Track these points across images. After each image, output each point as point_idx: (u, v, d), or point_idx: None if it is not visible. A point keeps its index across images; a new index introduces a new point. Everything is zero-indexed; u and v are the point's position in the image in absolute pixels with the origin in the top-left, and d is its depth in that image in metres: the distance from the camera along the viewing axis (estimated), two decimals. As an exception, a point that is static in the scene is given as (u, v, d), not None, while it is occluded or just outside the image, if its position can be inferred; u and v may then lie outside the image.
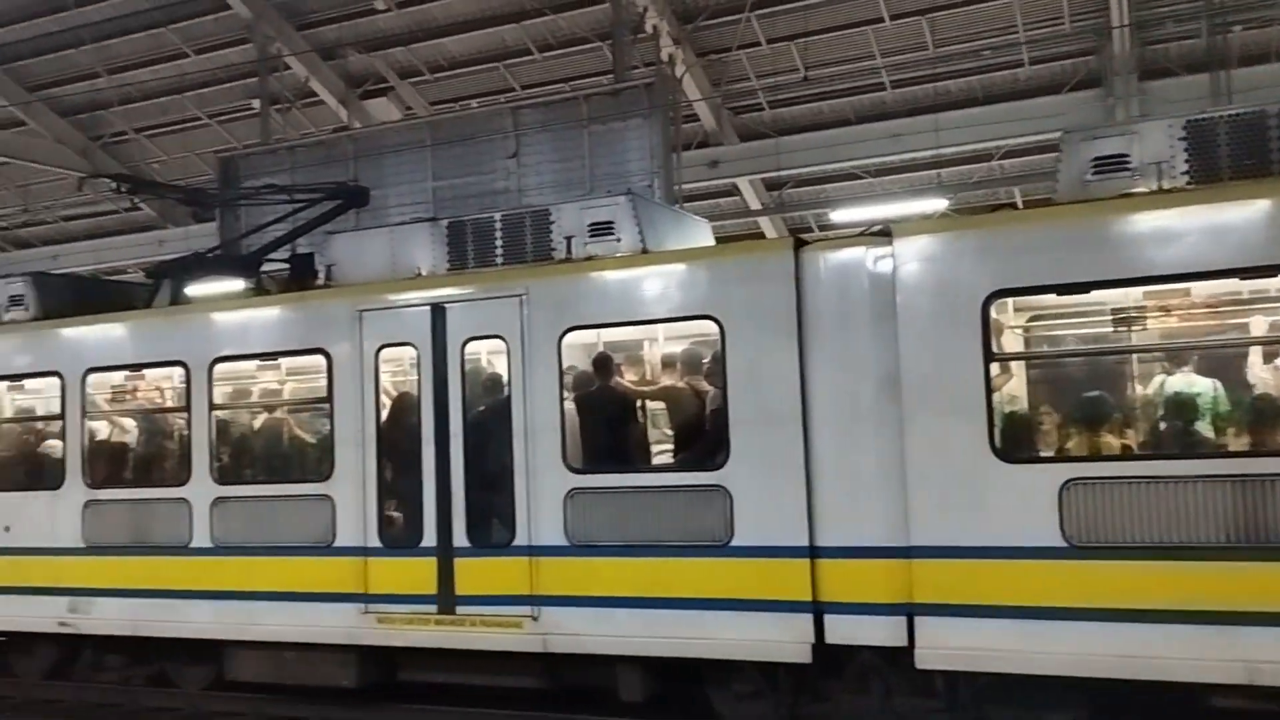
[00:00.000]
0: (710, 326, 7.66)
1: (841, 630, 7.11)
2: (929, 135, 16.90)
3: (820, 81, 17.81)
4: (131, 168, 19.98)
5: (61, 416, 9.87)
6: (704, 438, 7.80)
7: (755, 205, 19.83)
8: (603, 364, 8.26)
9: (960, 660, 6.82)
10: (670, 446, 8.31)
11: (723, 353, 7.52)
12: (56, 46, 17.72)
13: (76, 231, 21.91)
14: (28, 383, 10.51)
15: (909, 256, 7.06)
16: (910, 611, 6.91)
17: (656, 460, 8.32)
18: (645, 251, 8.13)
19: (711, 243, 9.32)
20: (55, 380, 9.94)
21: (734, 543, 7.38)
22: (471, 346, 8.40)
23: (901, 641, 6.95)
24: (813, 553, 7.18)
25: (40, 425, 10.40)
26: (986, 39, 17.01)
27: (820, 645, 7.14)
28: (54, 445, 10.01)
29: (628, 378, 8.53)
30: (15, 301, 10.54)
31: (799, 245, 7.47)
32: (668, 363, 8.48)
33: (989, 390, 6.75)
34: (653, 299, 7.87)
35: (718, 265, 7.76)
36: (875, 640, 7.06)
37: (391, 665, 8.71)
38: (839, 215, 17.46)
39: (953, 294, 6.88)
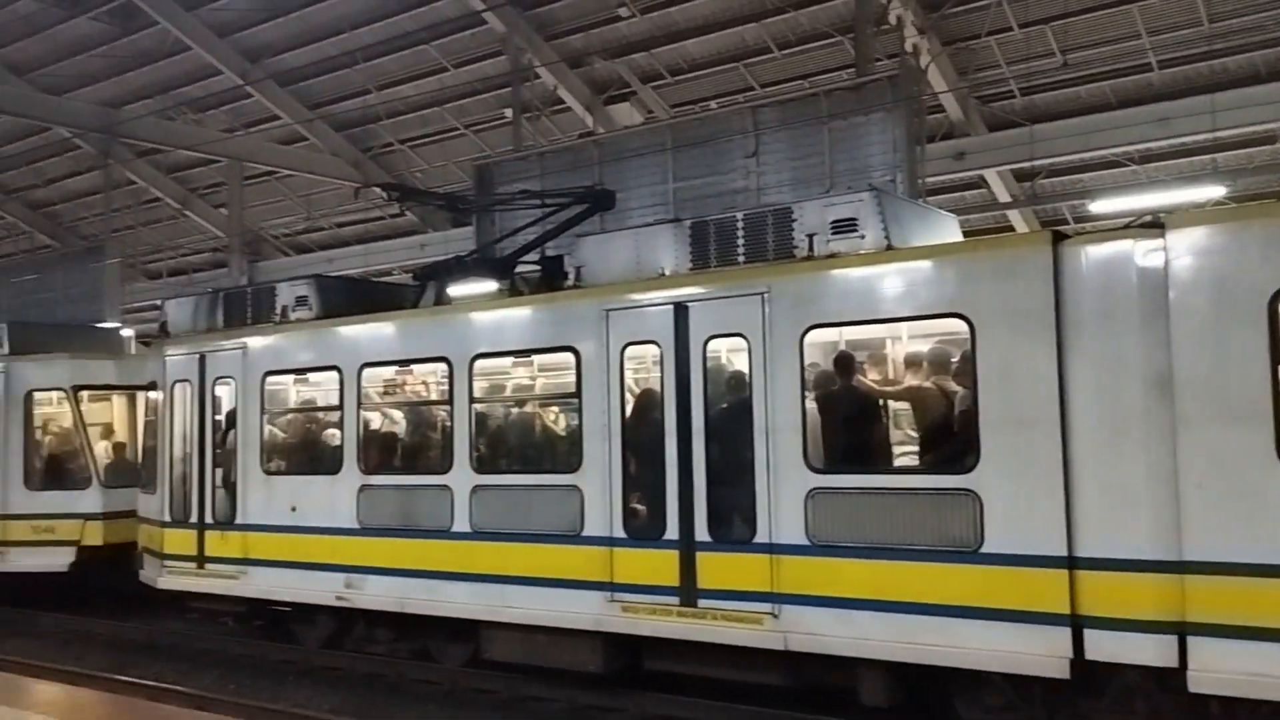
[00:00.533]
0: (959, 325, 7.42)
1: (1103, 646, 6.72)
2: (1203, 118, 15.58)
3: (1078, 65, 16.80)
4: (397, 177, 21.52)
5: (340, 407, 10.77)
6: (952, 439, 7.57)
7: (1004, 197, 18.97)
8: (845, 363, 8.17)
9: (1241, 686, 6.28)
10: (914, 448, 8.10)
11: (973, 352, 7.27)
12: (334, 67, 19.31)
13: (348, 237, 23.82)
14: (311, 376, 11.50)
15: (1184, 250, 6.57)
16: (1182, 630, 6.44)
17: (900, 462, 8.13)
18: (890, 248, 7.96)
19: (959, 238, 9.02)
20: (334, 374, 10.86)
21: (984, 549, 7.12)
22: (713, 344, 8.51)
23: (1171, 662, 6.50)
24: (1071, 563, 6.82)
25: (322, 415, 11.35)
26: (1270, 11, 15.50)
27: (1079, 660, 6.77)
28: (333, 433, 10.94)
29: (871, 377, 8.38)
30: (300, 302, 11.56)
31: (1058, 239, 7.10)
32: (913, 362, 8.27)
33: (1277, 393, 6.18)
34: (898, 297, 7.69)
35: (968, 261, 7.48)
36: (1141, 659, 6.63)
37: (637, 653, 8.96)
38: (1099, 206, 16.40)
39: (1234, 290, 6.36)
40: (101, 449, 15.12)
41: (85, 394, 15.32)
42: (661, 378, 8.70)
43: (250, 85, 19.36)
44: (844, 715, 8.14)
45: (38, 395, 14.81)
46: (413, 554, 10.02)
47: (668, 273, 8.96)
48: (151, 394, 13.03)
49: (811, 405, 8.06)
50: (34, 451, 14.72)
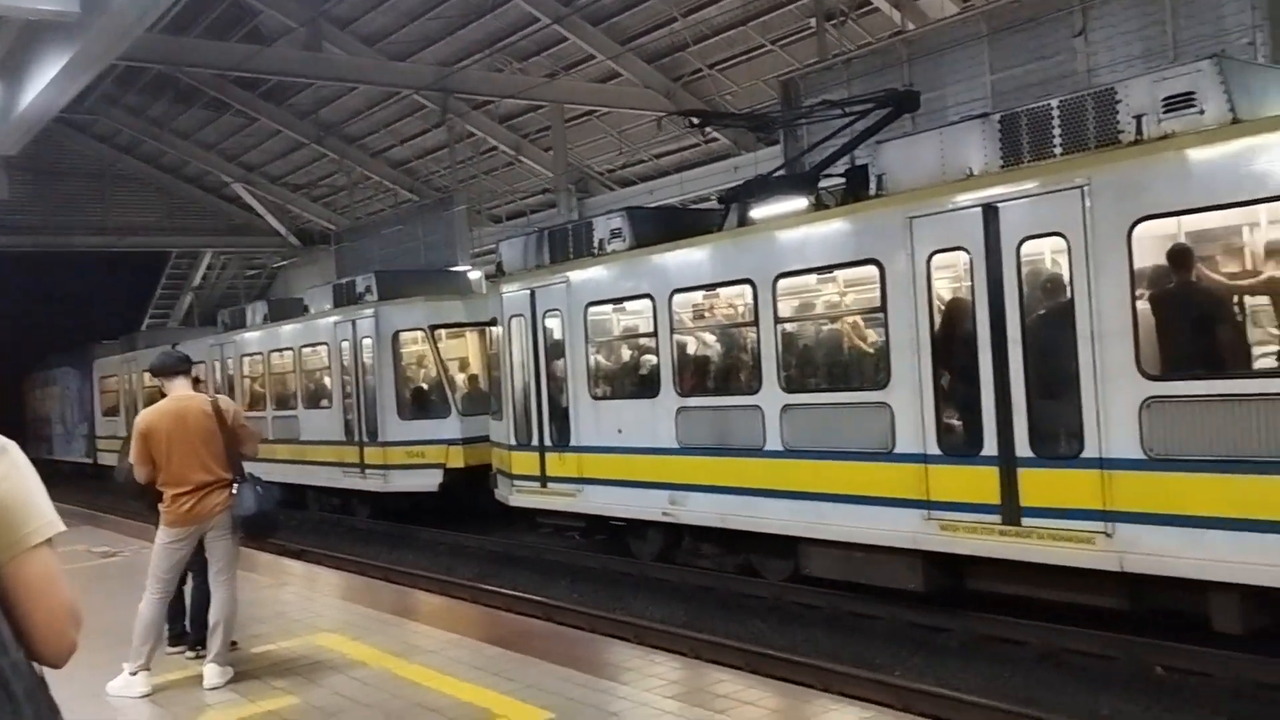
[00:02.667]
0: (1323, 203, 6.39)
1: None
2: None
3: None
4: (708, 102, 21.63)
5: (654, 333, 11.18)
6: (1316, 336, 6.59)
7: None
8: (1182, 256, 7.30)
9: None
10: (1272, 348, 7.13)
11: (1343, 234, 6.25)
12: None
13: (666, 166, 24.36)
14: (628, 304, 11.99)
15: None
16: None
17: (1256, 364, 7.19)
18: (1235, 122, 6.97)
19: (1331, 101, 7.72)
20: (648, 301, 11.25)
21: (1359, 459, 6.18)
22: (1028, 247, 7.92)
23: None
24: None
25: (639, 341, 11.84)
26: None
27: None
28: (650, 358, 11.39)
29: (1215, 270, 7.44)
30: (615, 234, 12.04)
31: None
32: (1270, 251, 7.25)
33: None
34: (1245, 177, 6.74)
35: (1333, 128, 6.40)
36: None
37: (958, 573, 8.70)
38: None
39: None
40: (458, 381, 16.75)
41: (441, 332, 16.99)
42: (972, 286, 8.24)
43: (563, 26, 20.16)
44: (1193, 642, 7.46)
45: (402, 335, 16.59)
46: (730, 472, 10.28)
47: (976, 173, 8.41)
48: (494, 329, 14.18)
49: (1144, 306, 7.31)
50: (403, 386, 16.56)
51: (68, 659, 1.85)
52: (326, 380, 18.20)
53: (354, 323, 17.14)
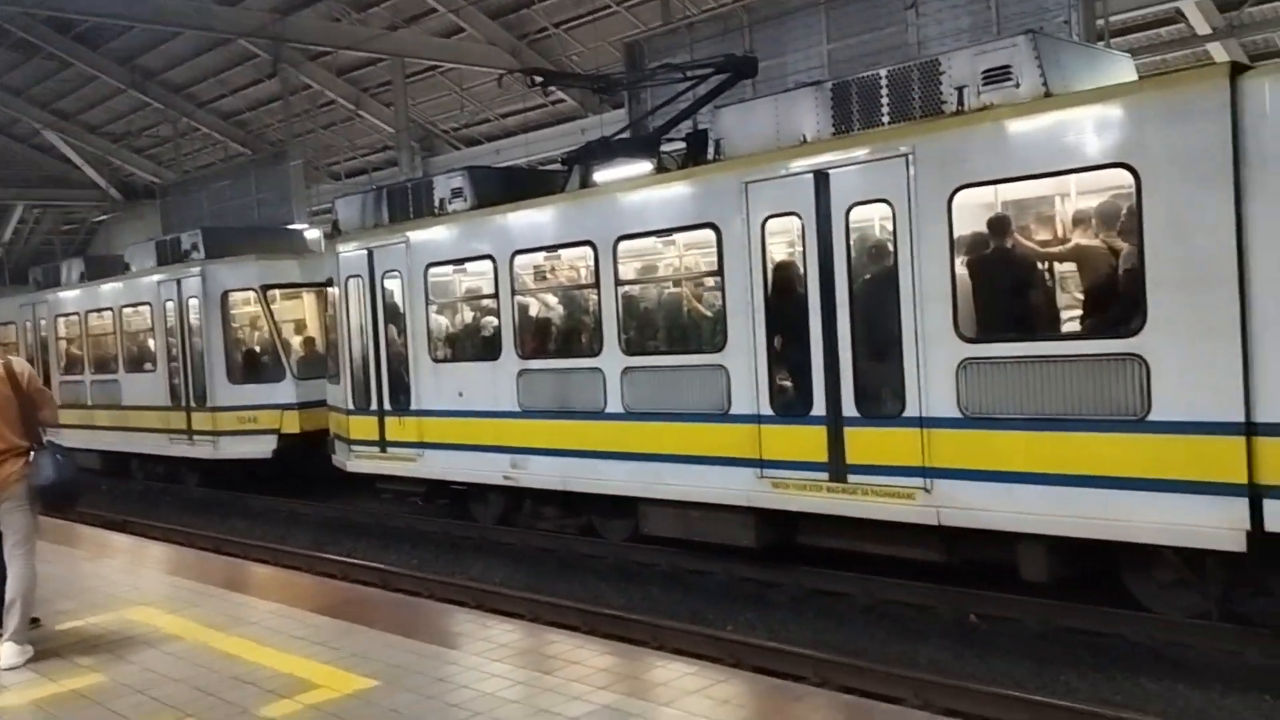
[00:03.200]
0: (1123, 176, 6.79)
1: (1286, 518, 6.19)
2: None
3: None
4: (555, 62, 21.40)
5: (495, 295, 11.03)
6: (1116, 302, 7.02)
7: (1203, 30, 17.10)
8: (999, 224, 7.65)
9: None
10: (1075, 312, 7.57)
11: (1138, 205, 6.66)
12: (485, -48, 19.23)
13: (512, 127, 24.02)
14: (469, 265, 11.79)
15: (1388, 72, 5.72)
16: (1378, 500, 5.85)
17: (1059, 327, 7.62)
18: (1048, 96, 7.31)
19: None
20: (489, 263, 11.08)
21: (1152, 417, 6.64)
22: (856, 213, 8.15)
23: (1363, 535, 5.93)
24: (1249, 429, 6.28)
25: (481, 303, 11.66)
26: None
27: (1257, 533, 6.28)
28: (492, 321, 11.24)
29: (1026, 238, 7.82)
30: (456, 194, 11.79)
31: (1237, 72, 6.33)
32: (1071, 219, 7.67)
33: None
34: (1055, 148, 7.08)
35: (1133, 104, 6.78)
36: (1328, 531, 6.08)
37: (789, 529, 8.96)
38: None
39: None
40: (294, 344, 16.15)
41: (275, 293, 16.33)
42: (804, 251, 8.43)
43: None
44: (1002, 590, 7.90)
45: (232, 295, 15.87)
46: (571, 435, 10.28)
47: (809, 139, 8.58)
48: (331, 290, 13.71)
49: (962, 271, 7.64)
50: (233, 348, 15.86)
51: None
52: (150, 342, 17.28)
53: (179, 282, 16.28)
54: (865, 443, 8.08)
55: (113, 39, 24.28)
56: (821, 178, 8.22)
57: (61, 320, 19.83)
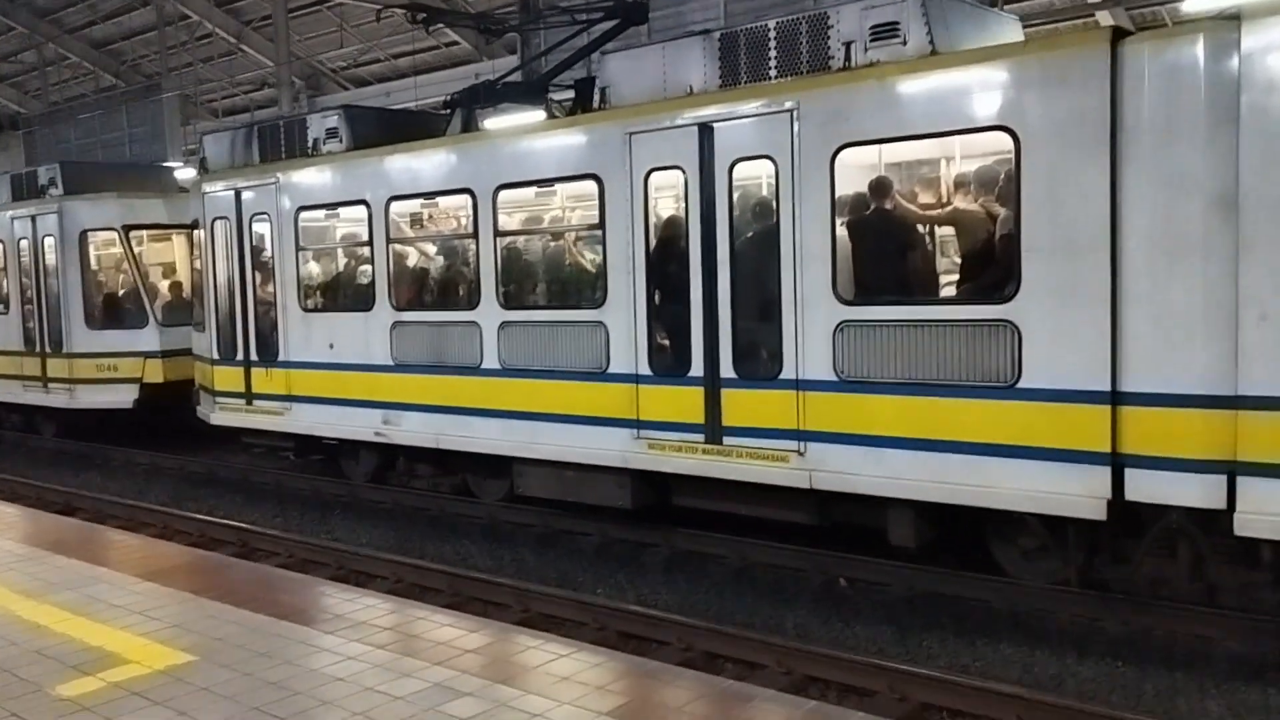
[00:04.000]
0: (1004, 140, 6.68)
1: (1145, 487, 6.25)
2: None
3: None
4: (448, 1, 20.60)
5: (370, 243, 10.52)
6: (990, 267, 6.95)
7: None
8: (879, 186, 7.50)
9: (1294, 531, 5.78)
10: (950, 277, 7.50)
11: (1017, 170, 6.57)
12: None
13: (404, 68, 23.11)
14: (343, 211, 11.22)
15: (1262, 45, 5.69)
16: (1232, 470, 5.91)
17: (933, 292, 7.53)
18: (934, 54, 7.15)
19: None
20: (364, 208, 10.55)
21: (1022, 384, 6.62)
22: (740, 169, 7.91)
23: (1219, 504, 6.00)
24: (1115, 398, 6.30)
25: (355, 250, 11.12)
26: None
27: (1118, 502, 6.31)
28: (366, 270, 10.72)
29: (905, 200, 7.70)
30: (331, 134, 11.18)
31: (1118, 38, 6.25)
32: (950, 183, 7.58)
33: (1359, 211, 5.41)
34: (938, 109, 6.93)
35: (1016, 66, 6.65)
36: (1185, 500, 6.14)
37: (665, 490, 8.78)
38: (1192, 4, 14.56)
39: (1318, 90, 5.50)
40: (160, 288, 15.30)
41: (143, 234, 15.42)
42: (686, 206, 8.17)
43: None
44: (872, 555, 7.87)
45: (92, 235, 14.91)
46: (445, 391, 9.91)
47: (695, 91, 8.29)
48: (196, 232, 12.96)
49: (842, 232, 7.48)
50: (92, 291, 14.93)
51: None
52: (3, 283, 16.17)
53: (34, 219, 15.24)
54: (742, 404, 7.92)
55: (-30, -45, 22.59)
56: (706, 131, 7.95)
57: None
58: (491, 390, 9.54)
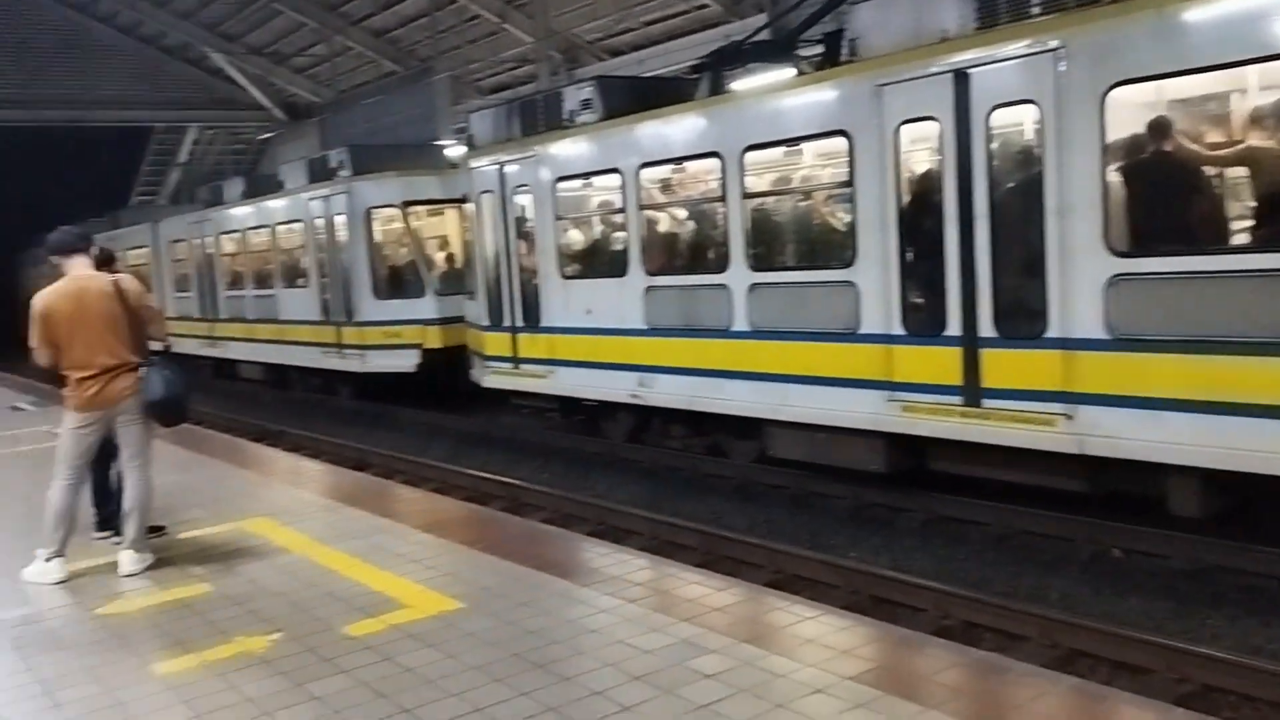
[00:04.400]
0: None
1: None
2: None
3: None
4: (698, -36, 20.61)
5: (623, 210, 10.80)
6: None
7: None
8: (1159, 126, 6.85)
9: None
10: (1248, 223, 6.76)
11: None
12: None
13: (656, 35, 23.36)
14: (596, 179, 11.56)
15: None
16: None
17: (1229, 240, 6.83)
18: (1228, -26, 6.42)
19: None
20: (616, 176, 10.83)
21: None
22: (998, 115, 7.47)
23: None
24: None
25: (608, 218, 11.45)
26: None
27: None
28: (619, 236, 11.02)
29: (1192, 140, 7.00)
30: (585, 105, 11.52)
31: None
32: (1251, 119, 6.79)
33: None
34: (1229, 36, 6.24)
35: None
36: None
37: (921, 454, 8.54)
38: None
39: None
40: (436, 260, 16.41)
41: (420, 209, 16.57)
42: (941, 158, 7.82)
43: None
44: (1149, 524, 7.31)
45: (376, 212, 16.18)
46: (697, 353, 10.05)
47: (950, 36, 7.89)
48: (467, 205, 13.76)
49: (1114, 179, 6.92)
50: (378, 264, 16.22)
51: None
52: (303, 259, 17.87)
53: (327, 199, 16.71)
54: (1002, 365, 7.54)
55: (269, -41, 24.83)
56: (961, 78, 7.56)
57: (224, 237, 20.75)
58: (741, 352, 9.58)
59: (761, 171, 9.82)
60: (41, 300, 5.63)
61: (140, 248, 25.48)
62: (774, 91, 9.35)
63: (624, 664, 4.06)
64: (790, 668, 3.96)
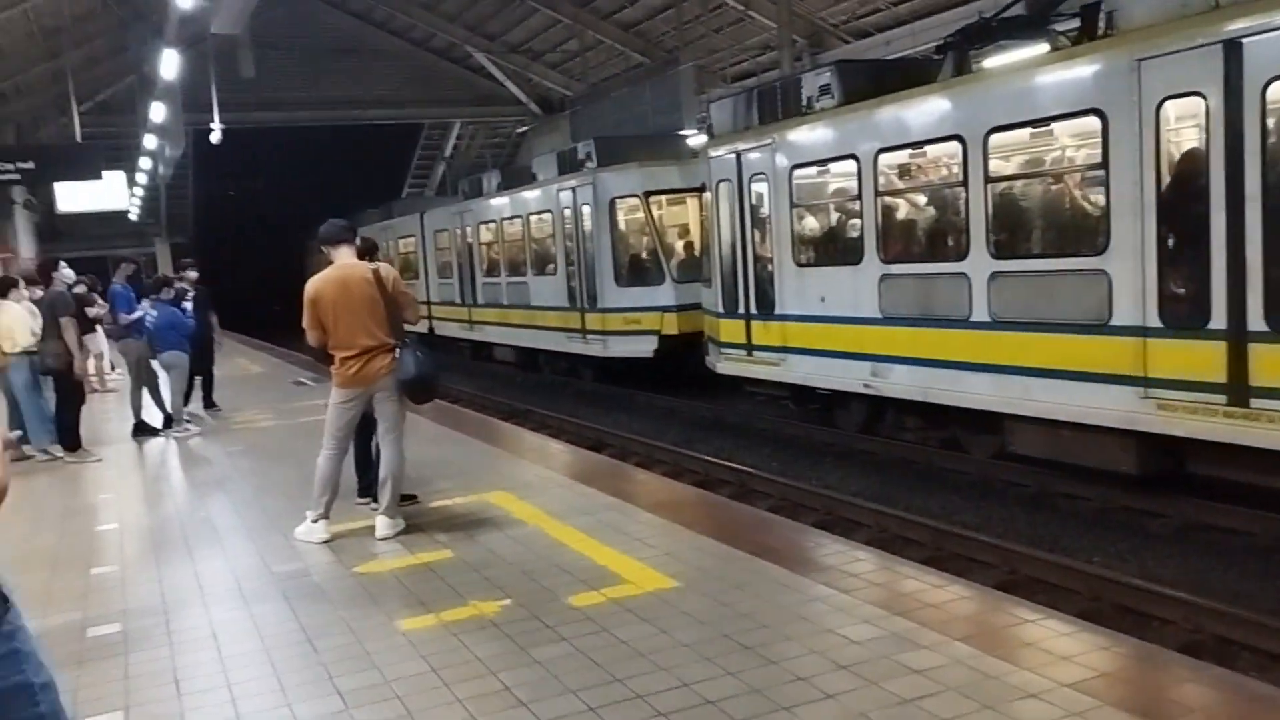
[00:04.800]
0: None
1: None
2: None
3: None
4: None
5: (859, 196, 10.63)
6: None
7: None
8: None
9: None
10: None
11: None
12: None
13: (904, 14, 22.70)
14: (833, 166, 11.42)
15: None
16: None
17: None
18: None
19: None
20: (853, 162, 10.67)
21: None
22: (1275, 89, 6.80)
23: None
24: None
25: (844, 205, 11.29)
26: None
27: None
28: (854, 224, 10.86)
29: None
30: (824, 91, 11.41)
31: None
32: None
33: None
34: None
35: None
36: None
37: (1177, 455, 7.94)
38: None
39: None
40: (676, 248, 16.74)
41: (661, 198, 16.96)
42: (1207, 137, 7.23)
43: None
44: None
45: (619, 202, 16.68)
46: (933, 343, 9.77)
47: (1220, 3, 7.26)
48: (705, 194, 13.96)
49: None
50: (620, 252, 16.73)
51: None
52: (552, 247, 18.69)
53: (574, 190, 17.39)
54: (1274, 361, 6.89)
55: (527, -39, 26.06)
56: (1232, 48, 6.95)
57: (483, 227, 22.01)
58: (981, 343, 9.22)
59: (1006, 154, 9.39)
60: (312, 286, 6.24)
61: (408, 237, 27.47)
62: (1020, 70, 8.92)
63: (831, 652, 4.07)
64: (1004, 670, 3.83)
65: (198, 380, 13.04)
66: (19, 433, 9.77)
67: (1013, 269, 8.94)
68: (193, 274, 13.64)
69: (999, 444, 9.65)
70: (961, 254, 9.34)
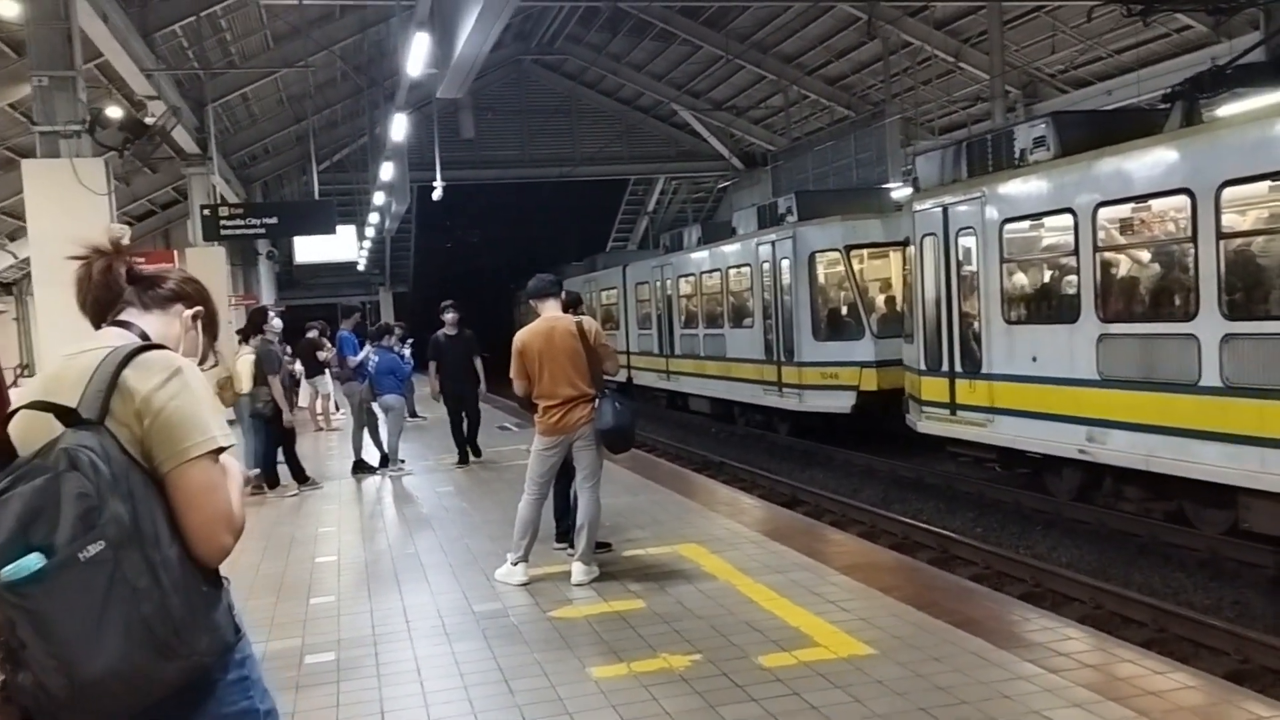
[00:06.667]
0: None
1: None
2: None
3: None
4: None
5: (1075, 252, 10.15)
6: None
7: None
8: None
9: None
10: None
11: None
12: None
13: (1128, 62, 21.63)
14: (1047, 220, 10.96)
15: None
16: None
17: None
18: None
19: None
20: (1069, 217, 10.21)
21: None
22: None
23: None
24: None
25: (1059, 261, 10.80)
26: None
27: None
28: (1071, 280, 10.36)
29: None
30: (1038, 143, 11.02)
31: None
32: None
33: None
34: None
35: None
36: None
37: None
38: None
39: None
40: (876, 302, 16.45)
41: (862, 252, 16.74)
42: None
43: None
44: None
45: (819, 256, 16.56)
46: (1157, 408, 9.15)
47: None
48: (908, 248, 13.68)
49: None
50: (819, 306, 16.58)
51: (220, 560, 2.09)
52: (750, 300, 18.73)
53: (774, 244, 17.41)
54: None
55: (733, 20, 26.46)
56: None
57: (682, 280, 22.33)
58: (1212, 410, 8.57)
59: (1242, 208, 8.77)
60: (519, 338, 6.50)
61: (611, 289, 28.20)
62: (1256, 119, 8.32)
63: (1038, 738, 3.83)
64: (1236, 774, 3.50)
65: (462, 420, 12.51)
66: (257, 470, 10.66)
67: (1249, 331, 8.29)
68: (449, 315, 12.53)
69: (1231, 519, 8.91)
70: (1190, 314, 8.74)
